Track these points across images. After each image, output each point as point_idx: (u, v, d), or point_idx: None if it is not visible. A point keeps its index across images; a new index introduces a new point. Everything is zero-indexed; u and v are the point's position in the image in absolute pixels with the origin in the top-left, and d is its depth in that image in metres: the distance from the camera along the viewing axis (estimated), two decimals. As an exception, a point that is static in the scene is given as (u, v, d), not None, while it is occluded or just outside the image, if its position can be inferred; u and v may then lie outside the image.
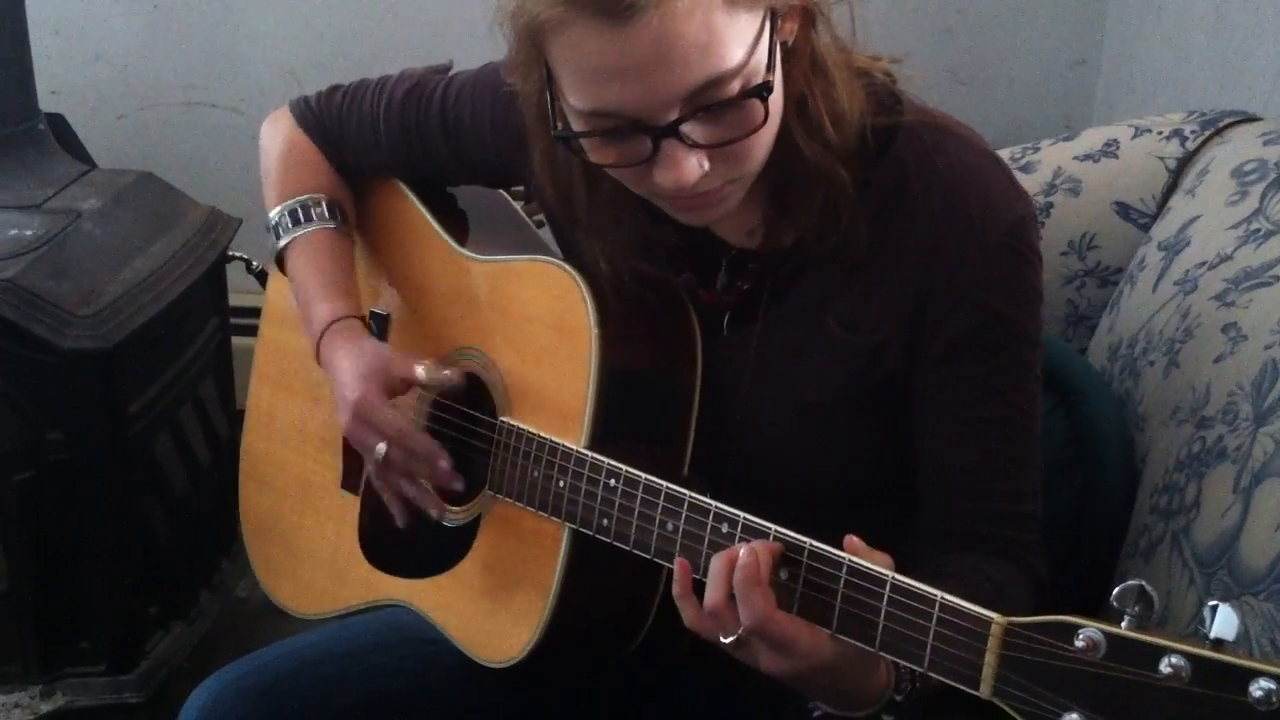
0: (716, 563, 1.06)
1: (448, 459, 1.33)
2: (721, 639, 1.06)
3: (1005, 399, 1.21)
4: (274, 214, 1.48)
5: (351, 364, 1.36)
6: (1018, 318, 1.20)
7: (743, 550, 1.04)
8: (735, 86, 1.07)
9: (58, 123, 2.42)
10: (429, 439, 1.35)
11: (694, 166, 1.09)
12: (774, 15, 1.09)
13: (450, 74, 1.46)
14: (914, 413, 1.23)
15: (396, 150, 1.47)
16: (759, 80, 1.08)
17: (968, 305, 1.18)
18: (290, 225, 1.47)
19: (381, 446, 1.32)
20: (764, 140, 1.13)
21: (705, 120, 1.08)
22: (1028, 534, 1.23)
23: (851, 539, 1.03)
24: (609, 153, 1.12)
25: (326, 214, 1.47)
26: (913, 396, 1.23)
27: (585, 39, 1.04)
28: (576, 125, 1.12)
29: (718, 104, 1.07)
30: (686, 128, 1.07)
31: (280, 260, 1.49)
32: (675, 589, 1.09)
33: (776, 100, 1.11)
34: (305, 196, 1.48)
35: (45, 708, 2.04)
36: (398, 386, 1.35)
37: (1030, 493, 1.23)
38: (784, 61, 1.13)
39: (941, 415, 1.22)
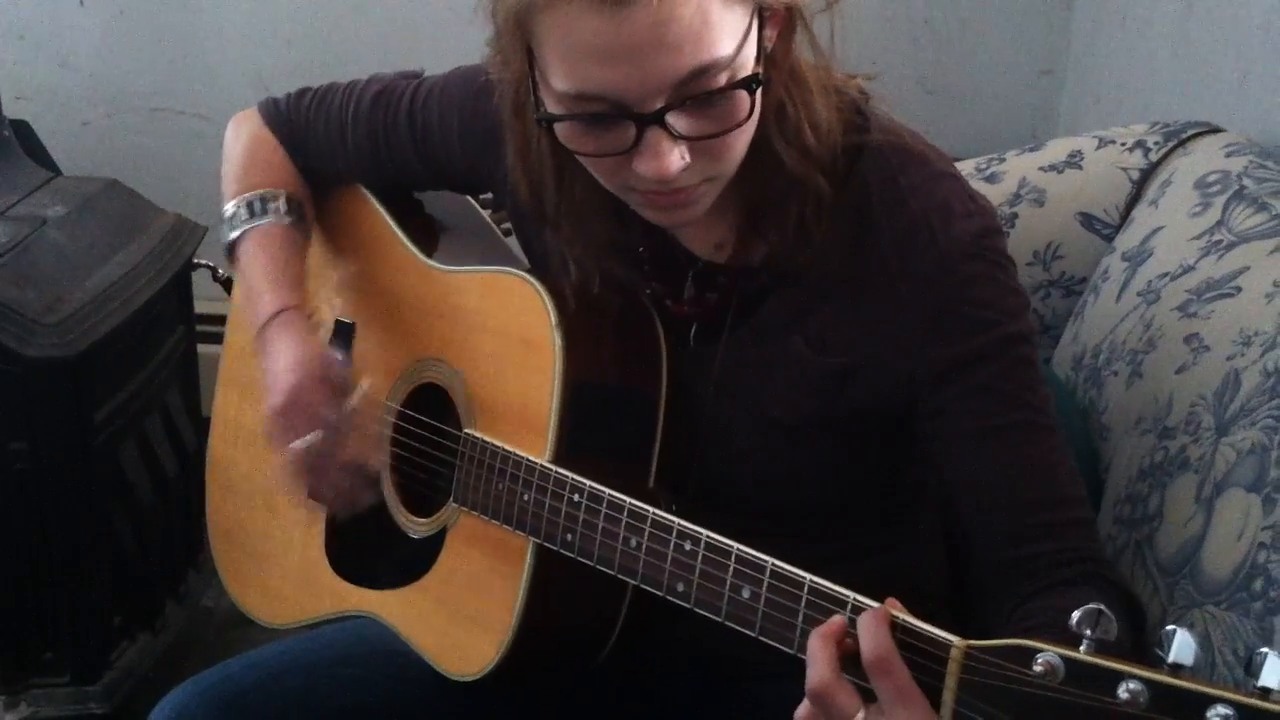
0: (816, 641, 0.98)
1: (378, 461, 1.35)
2: None
3: (1021, 401, 1.17)
4: (230, 206, 1.47)
5: (293, 351, 1.35)
6: (1003, 320, 1.18)
7: (889, 601, 0.98)
8: (723, 78, 1.07)
9: (22, 129, 2.41)
10: (363, 441, 1.35)
11: (676, 158, 1.09)
12: (761, 14, 1.10)
13: (419, 79, 1.45)
14: (938, 445, 1.20)
15: (364, 154, 1.46)
16: (747, 73, 1.08)
17: (949, 321, 1.17)
18: (246, 217, 1.45)
19: (312, 436, 1.31)
20: (744, 139, 1.13)
21: (691, 111, 1.08)
22: (1090, 541, 1.18)
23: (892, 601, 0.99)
24: (589, 140, 1.11)
25: (284, 209, 1.46)
26: (927, 433, 1.20)
27: (580, 17, 1.04)
28: (559, 110, 1.11)
29: (705, 94, 1.07)
30: (672, 117, 1.07)
31: (232, 252, 1.47)
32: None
33: (757, 102, 1.11)
34: (264, 190, 1.46)
35: (9, 718, 2.02)
36: (334, 385, 1.34)
37: (1079, 498, 1.18)
38: (766, 66, 1.13)
39: (962, 436, 1.18)
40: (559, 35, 1.06)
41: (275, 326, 1.38)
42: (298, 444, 1.32)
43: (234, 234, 1.46)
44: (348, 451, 1.34)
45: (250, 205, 1.46)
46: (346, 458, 1.34)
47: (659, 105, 1.07)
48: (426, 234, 1.48)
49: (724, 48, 1.06)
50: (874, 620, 0.95)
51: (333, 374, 1.35)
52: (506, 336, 1.29)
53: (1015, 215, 1.74)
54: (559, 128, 1.12)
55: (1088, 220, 1.74)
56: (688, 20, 1.03)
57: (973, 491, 1.19)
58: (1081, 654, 0.85)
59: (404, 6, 2.75)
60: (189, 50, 2.82)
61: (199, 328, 2.40)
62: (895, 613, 0.96)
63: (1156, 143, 1.75)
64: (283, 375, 1.34)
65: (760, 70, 1.09)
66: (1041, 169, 1.78)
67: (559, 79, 1.08)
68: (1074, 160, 1.77)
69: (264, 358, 1.38)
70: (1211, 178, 1.59)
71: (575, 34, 1.05)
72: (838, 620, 0.98)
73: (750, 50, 1.09)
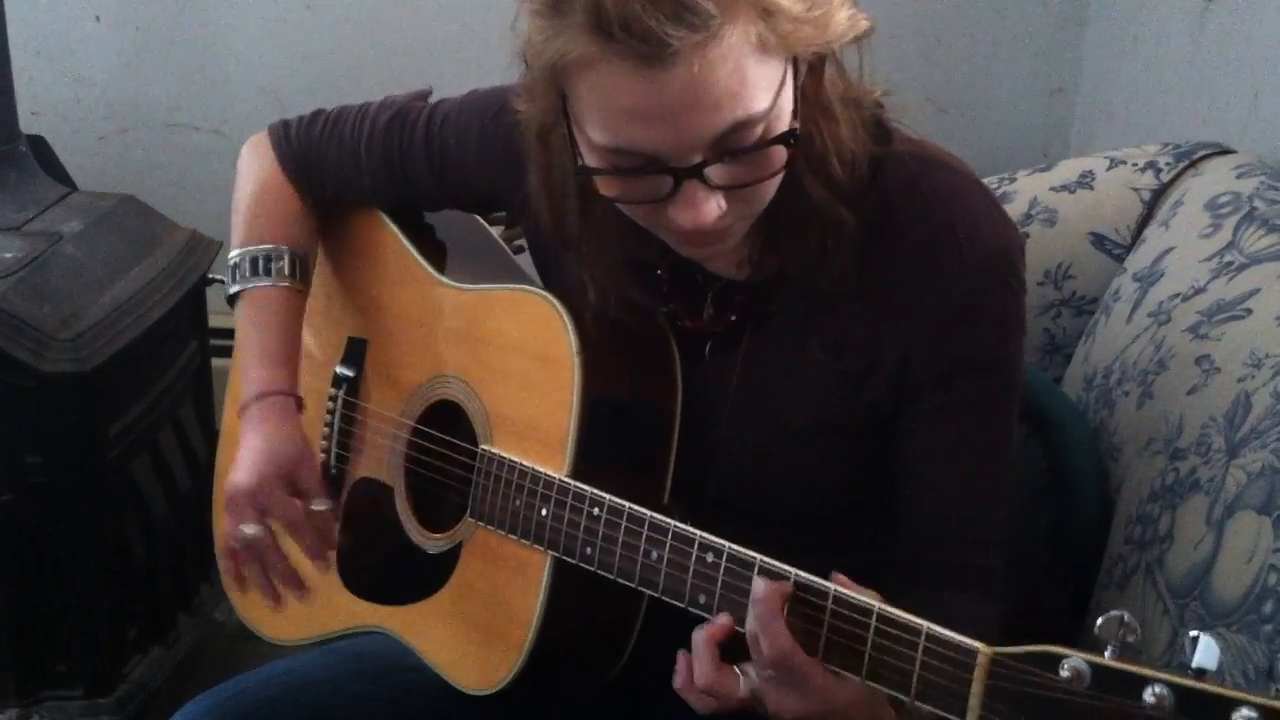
0: (698, 637, 1.08)
1: (323, 563, 1.40)
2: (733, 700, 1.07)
3: (990, 425, 1.22)
4: (234, 255, 1.47)
5: (264, 440, 1.38)
6: (1004, 345, 1.22)
7: (756, 582, 1.05)
8: (759, 131, 1.08)
9: (39, 144, 2.41)
10: (313, 542, 1.39)
11: (713, 208, 1.10)
12: (796, 63, 1.10)
13: (432, 101, 1.46)
14: (898, 439, 1.24)
15: (379, 178, 1.47)
16: (783, 125, 1.09)
17: (955, 333, 1.19)
18: (247, 274, 1.46)
19: (253, 529, 1.36)
20: (778, 181, 1.13)
21: (728, 162, 1.08)
22: (997, 560, 1.24)
23: (838, 575, 1.04)
24: (626, 189, 1.12)
25: (285, 270, 1.46)
26: (898, 423, 1.24)
27: (617, 79, 1.04)
28: (594, 159, 1.12)
29: (742, 149, 1.08)
30: (710, 170, 1.08)
31: (232, 303, 1.48)
32: (678, 683, 1.10)
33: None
34: (268, 247, 1.46)
35: (21, 731, 2.03)
36: (301, 485, 1.38)
37: (1002, 520, 1.24)
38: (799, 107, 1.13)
39: (930, 441, 1.22)
40: (596, 94, 1.07)
41: (257, 409, 1.41)
42: (240, 531, 1.36)
43: (233, 289, 1.47)
44: (286, 555, 1.39)
45: (254, 261, 1.46)
46: (284, 560, 1.39)
47: (696, 160, 1.07)
48: (439, 251, 1.49)
49: (760, 102, 1.06)
50: (773, 622, 1.03)
51: (299, 476, 1.38)
52: (523, 353, 1.30)
53: (1027, 235, 1.74)
54: (596, 178, 1.13)
55: (1099, 240, 1.74)
56: (724, 80, 1.04)
57: (919, 495, 1.23)
58: (1107, 659, 0.86)
59: (418, 24, 2.76)
60: (204, 66, 2.83)
61: (212, 341, 2.41)
62: (928, 624, 0.98)
63: (1168, 163, 1.75)
64: (250, 462, 1.37)
65: (796, 125, 1.10)
66: (1053, 189, 1.79)
67: (596, 132, 1.09)
68: (1085, 180, 1.78)
69: (242, 434, 1.41)
70: (1223, 199, 1.59)
71: (612, 94, 1.05)
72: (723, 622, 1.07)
73: (786, 99, 1.09)
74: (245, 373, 1.43)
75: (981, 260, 1.19)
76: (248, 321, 1.45)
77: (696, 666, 1.07)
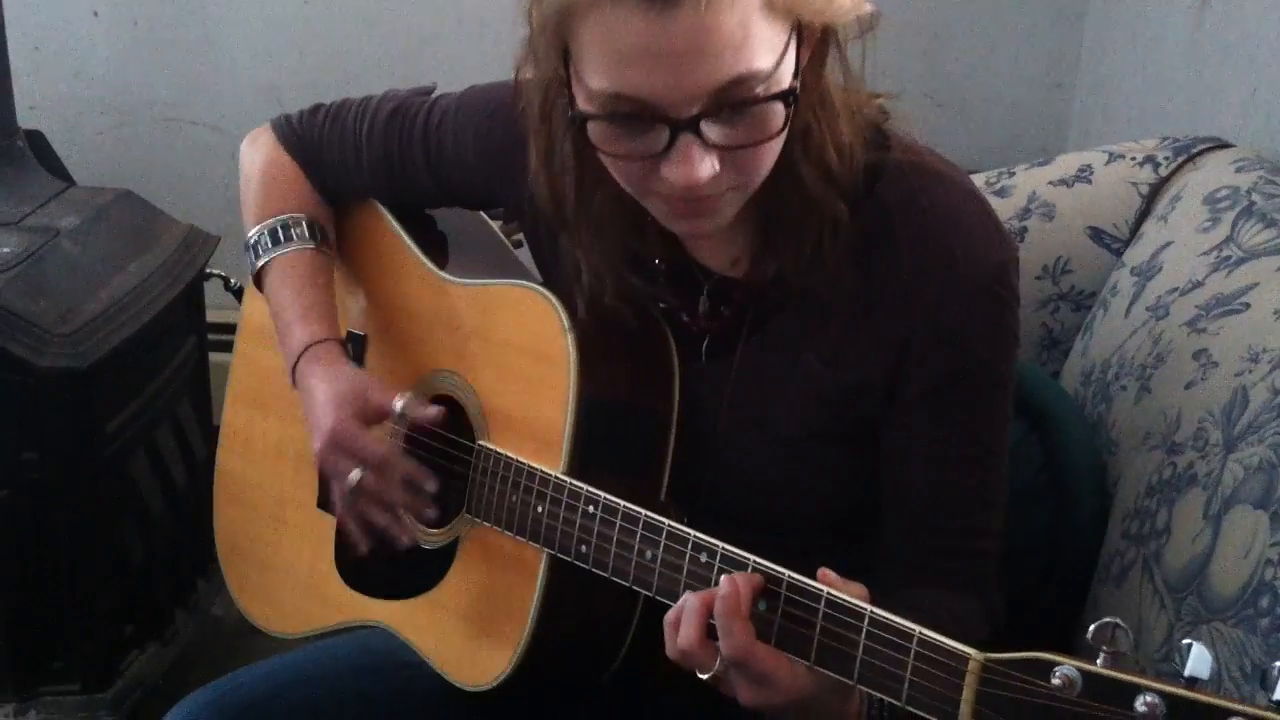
0: (692, 602, 1.07)
1: (435, 481, 1.32)
2: (699, 674, 1.07)
3: (977, 438, 1.22)
4: (253, 233, 1.47)
5: (328, 388, 1.35)
6: (995, 362, 1.22)
7: (724, 580, 1.05)
8: (759, 90, 1.07)
9: (36, 139, 2.41)
10: (414, 464, 1.34)
11: (707, 167, 1.09)
12: (800, 32, 1.10)
13: (433, 96, 1.46)
14: (884, 445, 1.25)
15: (378, 172, 1.47)
16: (784, 87, 1.09)
17: (947, 348, 1.20)
18: (269, 245, 1.46)
19: (355, 473, 1.31)
20: (772, 152, 1.13)
21: (725, 120, 1.08)
22: (986, 570, 1.25)
23: (825, 571, 1.04)
24: (621, 142, 1.11)
25: (306, 234, 1.46)
26: (885, 429, 1.24)
27: (623, 19, 1.04)
28: (591, 108, 1.11)
29: (741, 103, 1.07)
30: (706, 125, 1.07)
31: (258, 279, 1.48)
32: (669, 615, 1.09)
33: (790, 117, 1.11)
34: (285, 216, 1.47)
35: (19, 727, 2.03)
36: (374, 414, 1.34)
37: (993, 531, 1.25)
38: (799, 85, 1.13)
39: (914, 450, 1.23)
40: (601, 35, 1.06)
41: (305, 363, 1.38)
42: (347, 485, 1.32)
43: (260, 263, 1.46)
44: (399, 474, 1.33)
45: (273, 233, 1.46)
46: (398, 481, 1.33)
47: (694, 112, 1.07)
48: (439, 247, 1.49)
49: (763, 60, 1.06)
50: (734, 620, 1.03)
51: (369, 405, 1.34)
52: (520, 349, 1.30)
53: (1025, 229, 1.74)
54: (591, 127, 1.11)
55: (1097, 234, 1.74)
56: (729, 30, 1.04)
57: (904, 499, 1.24)
58: (1099, 667, 0.86)
59: (415, 20, 2.76)
60: (202, 61, 2.83)
61: (211, 336, 2.40)
62: (920, 629, 0.98)
63: (1166, 158, 1.75)
64: (320, 417, 1.33)
65: (796, 85, 1.09)
66: (1051, 183, 1.78)
67: (596, 78, 1.08)
68: (1084, 175, 1.78)
69: (302, 392, 1.38)
70: (1221, 193, 1.59)
71: (617, 35, 1.05)
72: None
73: (788, 66, 1.09)
74: (286, 334, 1.41)
75: (977, 277, 1.19)
76: (279, 288, 1.44)
77: (682, 628, 1.07)
